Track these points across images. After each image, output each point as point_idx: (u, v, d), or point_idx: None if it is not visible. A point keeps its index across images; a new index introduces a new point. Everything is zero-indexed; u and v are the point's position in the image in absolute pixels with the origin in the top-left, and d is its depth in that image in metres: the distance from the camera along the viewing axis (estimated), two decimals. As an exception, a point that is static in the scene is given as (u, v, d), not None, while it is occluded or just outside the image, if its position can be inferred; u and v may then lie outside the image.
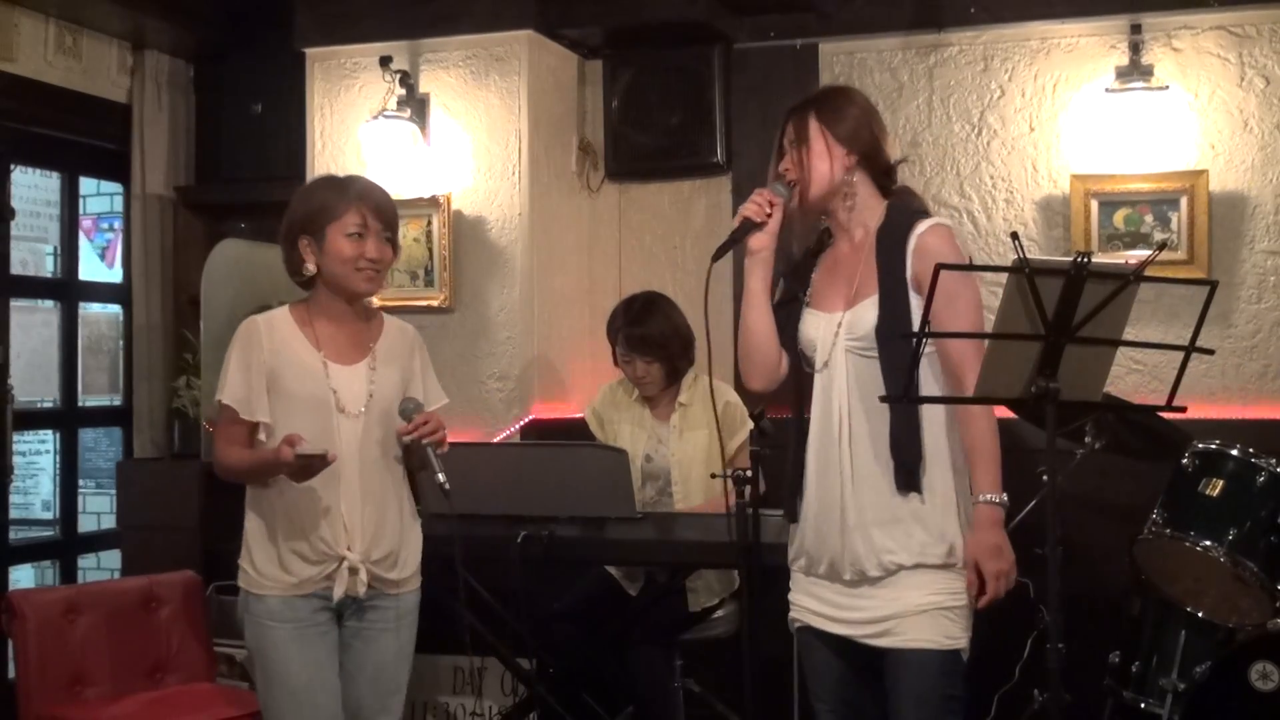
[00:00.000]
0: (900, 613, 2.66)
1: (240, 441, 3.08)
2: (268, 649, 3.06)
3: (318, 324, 3.12)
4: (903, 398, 2.57)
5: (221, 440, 3.09)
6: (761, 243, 2.83)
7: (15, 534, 5.52)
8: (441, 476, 2.98)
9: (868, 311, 2.72)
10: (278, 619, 3.05)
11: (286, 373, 3.07)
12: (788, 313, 2.87)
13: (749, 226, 2.81)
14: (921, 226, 2.73)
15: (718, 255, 2.83)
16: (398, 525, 3.16)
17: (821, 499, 2.75)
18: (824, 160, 2.79)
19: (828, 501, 2.74)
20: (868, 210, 2.82)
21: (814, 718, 2.89)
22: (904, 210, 2.81)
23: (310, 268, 3.09)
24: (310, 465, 2.93)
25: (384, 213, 3.12)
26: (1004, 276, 2.38)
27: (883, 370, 2.68)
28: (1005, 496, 2.65)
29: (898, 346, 2.64)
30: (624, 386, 4.31)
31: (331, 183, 3.19)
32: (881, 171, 2.85)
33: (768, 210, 2.81)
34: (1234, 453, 3.71)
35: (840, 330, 2.76)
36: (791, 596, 2.86)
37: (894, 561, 2.67)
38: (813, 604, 2.80)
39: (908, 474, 2.66)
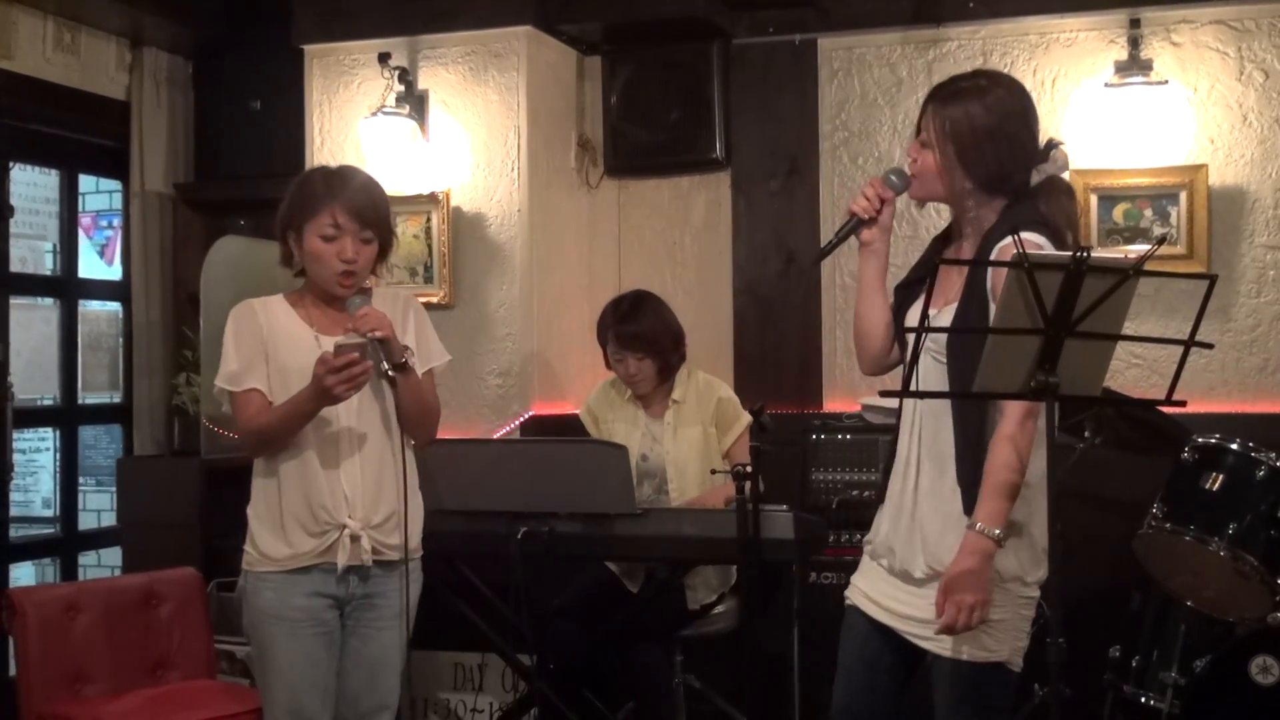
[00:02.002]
0: (935, 619, 2.62)
1: (261, 409, 3.10)
2: (263, 641, 3.11)
3: (309, 304, 3.18)
4: (901, 393, 2.56)
5: (243, 415, 3.10)
6: (872, 236, 2.77)
7: (15, 531, 5.53)
8: (385, 365, 3.02)
9: (947, 317, 2.65)
10: (274, 612, 3.08)
11: (281, 348, 3.11)
12: (908, 294, 2.81)
13: (857, 223, 2.75)
14: (1009, 239, 2.60)
15: (821, 255, 2.82)
16: (397, 490, 3.17)
17: (898, 493, 2.73)
18: (945, 174, 2.70)
19: (900, 497, 2.72)
20: (985, 216, 2.71)
21: (822, 706, 2.87)
22: (1011, 219, 2.65)
23: (296, 262, 3.15)
24: (352, 369, 2.91)
25: (360, 211, 3.08)
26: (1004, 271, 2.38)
27: (949, 377, 2.60)
28: (1000, 532, 2.52)
29: (966, 353, 2.55)
30: (617, 386, 4.30)
31: (315, 178, 3.17)
32: (1011, 188, 2.69)
33: (877, 206, 2.74)
34: (1234, 447, 3.70)
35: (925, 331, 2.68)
36: (855, 574, 2.85)
37: (936, 567, 2.62)
38: (866, 587, 2.78)
39: (970, 491, 2.57)
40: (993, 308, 2.57)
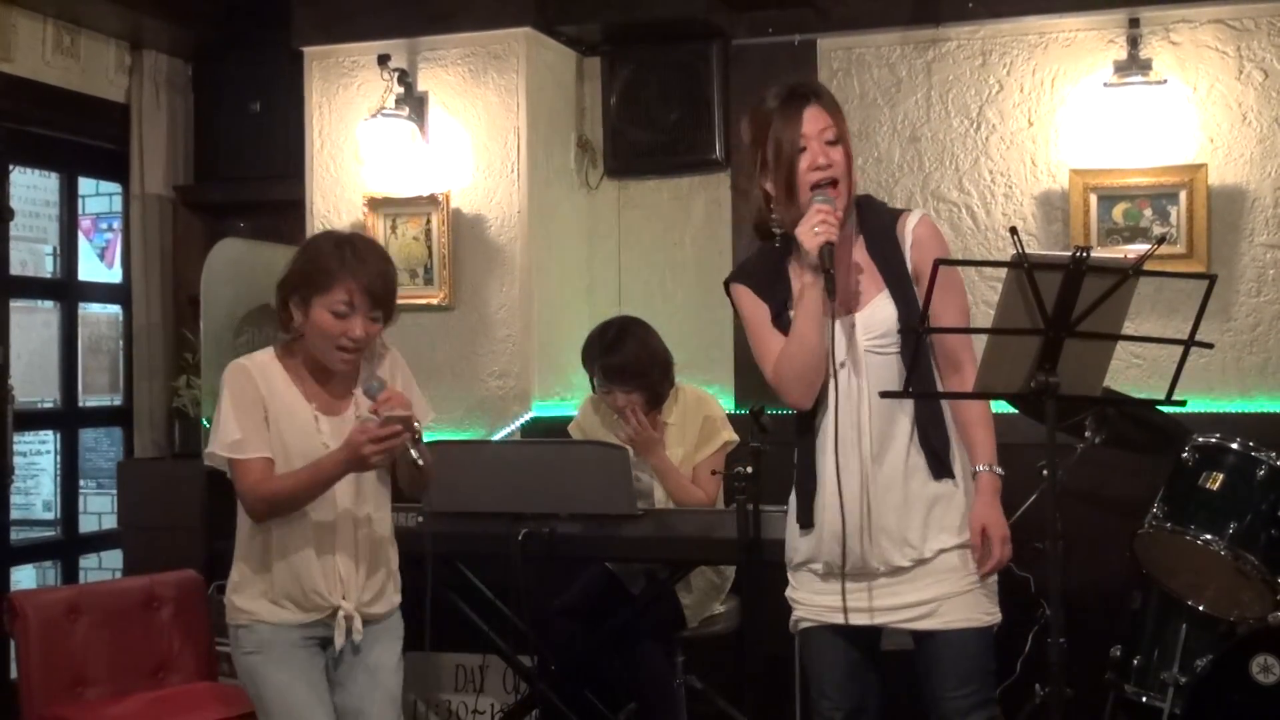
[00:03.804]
0: (943, 595, 2.68)
1: (267, 475, 2.98)
2: (262, 677, 3.05)
3: (304, 374, 3.06)
4: (905, 393, 2.56)
5: (248, 481, 2.97)
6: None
7: (16, 534, 5.53)
8: (414, 453, 2.89)
9: (882, 308, 2.70)
10: (267, 646, 3.04)
11: (281, 422, 3.01)
12: (784, 324, 2.77)
13: (832, 249, 2.62)
14: (912, 220, 2.76)
15: (832, 291, 2.61)
16: (386, 565, 3.16)
17: (845, 500, 2.69)
18: (850, 169, 2.72)
19: (850, 501, 2.69)
20: (849, 208, 2.77)
21: (816, 715, 2.86)
22: (876, 205, 2.82)
23: (295, 328, 3.02)
24: (393, 440, 2.82)
25: (374, 292, 2.98)
26: (1004, 271, 2.38)
27: (906, 364, 2.64)
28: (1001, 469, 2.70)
29: (912, 340, 2.65)
30: (602, 405, 4.27)
31: (330, 249, 3.02)
32: None
33: (838, 229, 2.65)
34: (1234, 446, 3.71)
35: (856, 331, 2.71)
36: (798, 596, 2.83)
37: (932, 548, 2.68)
38: (830, 600, 2.75)
39: (939, 461, 2.68)
40: (917, 289, 2.67)
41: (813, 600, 2.80)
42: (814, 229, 2.61)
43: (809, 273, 2.65)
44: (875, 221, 2.77)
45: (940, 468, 2.69)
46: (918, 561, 2.69)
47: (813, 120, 2.68)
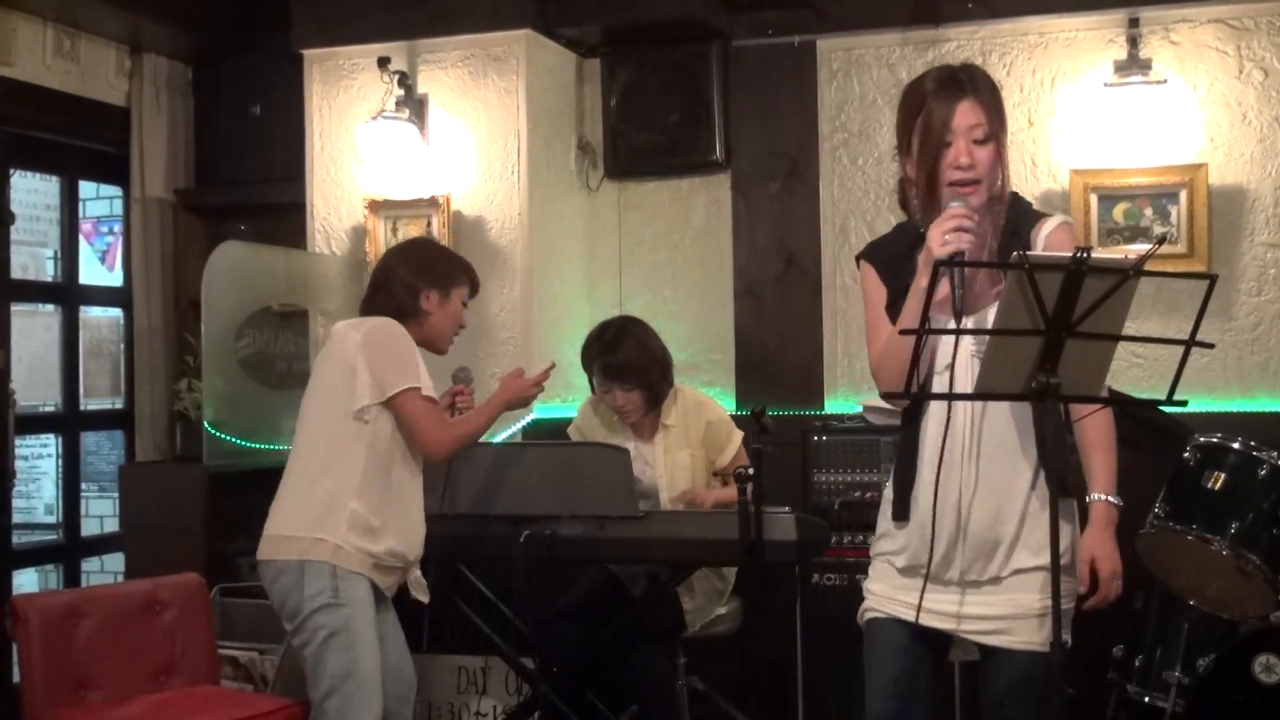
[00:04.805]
0: (1018, 613, 2.60)
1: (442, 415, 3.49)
2: (357, 632, 3.31)
3: None
4: (905, 394, 2.54)
5: (435, 420, 3.42)
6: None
7: (18, 538, 5.52)
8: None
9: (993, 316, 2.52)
10: (367, 603, 3.33)
11: None
12: (897, 313, 2.64)
13: (962, 254, 2.45)
14: (1048, 226, 2.61)
15: (960, 308, 2.46)
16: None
17: (942, 500, 2.59)
18: (998, 168, 2.57)
19: (945, 504, 2.60)
20: (995, 209, 2.63)
21: (869, 715, 2.76)
22: (1021, 207, 2.66)
23: (425, 311, 3.49)
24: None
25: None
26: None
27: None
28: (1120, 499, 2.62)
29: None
30: (601, 407, 4.27)
31: (453, 253, 3.80)
32: None
33: (970, 238, 2.47)
34: (1235, 446, 3.70)
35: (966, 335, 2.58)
36: (873, 587, 2.74)
37: (1013, 566, 2.60)
38: (906, 596, 2.66)
39: (1060, 479, 2.56)
40: None
41: (886, 592, 2.71)
42: (944, 237, 2.44)
43: (929, 274, 2.44)
44: (1015, 224, 2.63)
45: (1059, 486, 2.55)
46: (996, 578, 2.61)
47: (964, 115, 2.54)
